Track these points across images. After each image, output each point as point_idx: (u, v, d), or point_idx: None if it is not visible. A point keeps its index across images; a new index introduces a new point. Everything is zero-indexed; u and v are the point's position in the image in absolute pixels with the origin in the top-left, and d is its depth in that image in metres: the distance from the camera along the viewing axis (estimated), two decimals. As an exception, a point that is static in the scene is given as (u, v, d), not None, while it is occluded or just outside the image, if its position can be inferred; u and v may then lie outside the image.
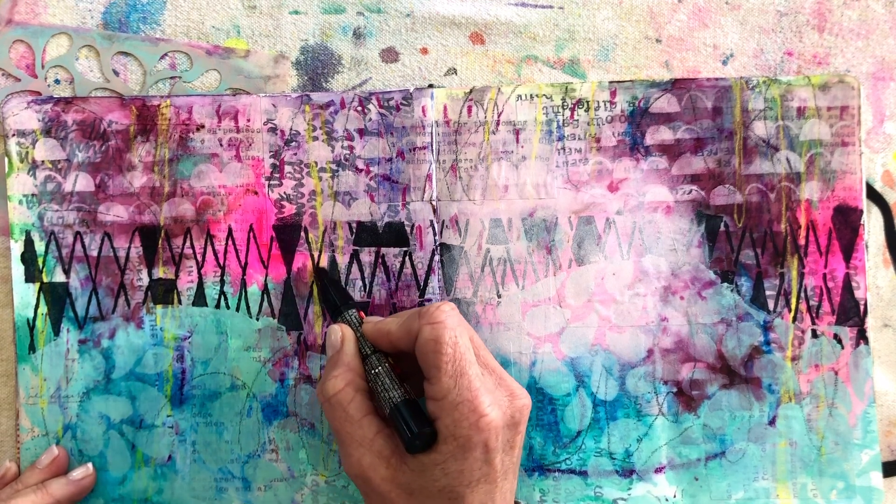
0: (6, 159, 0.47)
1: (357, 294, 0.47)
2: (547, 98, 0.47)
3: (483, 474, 0.37)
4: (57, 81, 0.48)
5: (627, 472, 0.47)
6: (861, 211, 0.47)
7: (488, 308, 0.47)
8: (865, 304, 0.47)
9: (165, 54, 0.48)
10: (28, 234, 0.47)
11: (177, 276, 0.47)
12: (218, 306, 0.47)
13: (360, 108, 0.47)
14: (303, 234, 0.47)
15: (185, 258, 0.47)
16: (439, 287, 0.47)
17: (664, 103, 0.47)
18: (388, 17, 0.49)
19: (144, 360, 0.47)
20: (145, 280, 0.47)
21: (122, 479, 0.47)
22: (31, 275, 0.47)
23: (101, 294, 0.47)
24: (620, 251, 0.47)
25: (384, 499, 0.38)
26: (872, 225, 0.48)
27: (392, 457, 0.38)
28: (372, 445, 0.38)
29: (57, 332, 0.47)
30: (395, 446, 0.38)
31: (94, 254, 0.47)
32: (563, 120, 0.47)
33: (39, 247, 0.47)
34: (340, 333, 0.41)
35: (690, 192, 0.47)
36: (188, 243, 0.47)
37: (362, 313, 0.43)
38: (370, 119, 0.47)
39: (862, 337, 0.47)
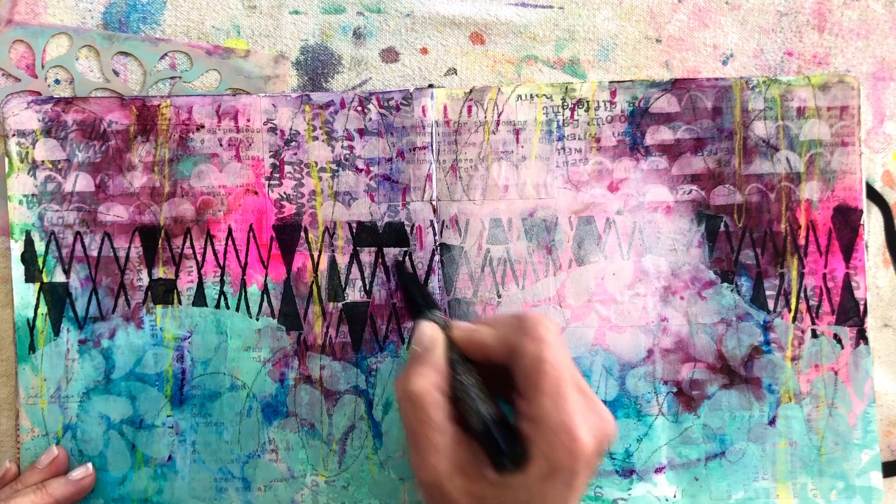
0: (6, 159, 0.47)
1: (357, 294, 0.47)
2: (547, 98, 0.47)
3: (562, 497, 0.36)
4: (57, 81, 0.48)
5: (627, 472, 0.47)
6: (861, 211, 0.47)
7: (488, 308, 0.47)
8: (865, 304, 0.47)
9: (165, 54, 0.48)
10: (28, 234, 0.47)
11: (177, 276, 0.47)
12: (218, 306, 0.47)
13: (360, 108, 0.47)
14: (303, 234, 0.47)
15: (185, 258, 0.47)
16: (439, 287, 0.47)
17: (664, 103, 0.47)
18: (388, 17, 0.49)
19: (144, 360, 0.47)
20: (145, 280, 0.47)
21: (122, 479, 0.47)
22: (31, 275, 0.47)
23: (101, 294, 0.47)
24: (620, 251, 0.47)
25: None
26: (872, 225, 0.48)
27: (469, 467, 0.37)
28: (450, 453, 0.37)
29: (57, 332, 0.47)
30: (472, 457, 0.37)
31: (94, 254, 0.47)
32: (563, 120, 0.47)
33: (39, 247, 0.47)
34: (432, 335, 0.39)
35: (690, 192, 0.47)
36: (188, 243, 0.47)
37: (447, 317, 0.42)
38: (370, 119, 0.47)
39: (862, 337, 0.47)
